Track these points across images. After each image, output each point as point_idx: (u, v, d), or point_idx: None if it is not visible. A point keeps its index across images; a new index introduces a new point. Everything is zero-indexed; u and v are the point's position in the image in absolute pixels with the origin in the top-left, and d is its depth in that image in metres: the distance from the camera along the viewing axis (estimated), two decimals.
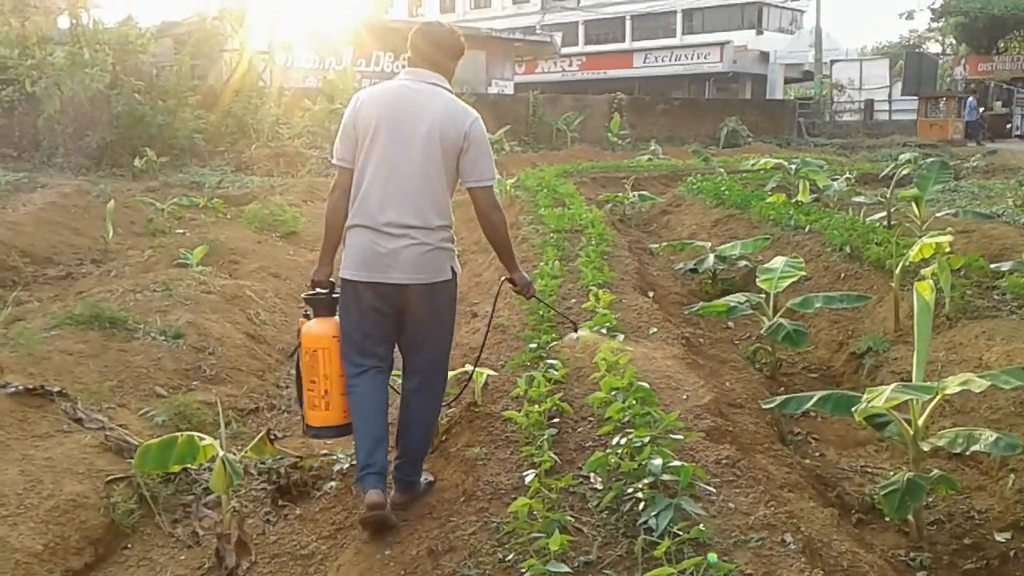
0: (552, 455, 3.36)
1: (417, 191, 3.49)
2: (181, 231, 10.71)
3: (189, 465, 3.66)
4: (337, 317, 3.59)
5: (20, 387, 4.32)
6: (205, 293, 6.53)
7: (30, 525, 3.40)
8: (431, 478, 3.75)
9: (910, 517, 3.73)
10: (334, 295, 3.62)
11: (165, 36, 21.90)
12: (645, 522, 2.85)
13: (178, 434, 3.56)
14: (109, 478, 3.86)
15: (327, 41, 25.09)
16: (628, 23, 50.95)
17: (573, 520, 2.99)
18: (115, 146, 16.40)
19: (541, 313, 5.23)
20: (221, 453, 3.45)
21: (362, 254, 3.46)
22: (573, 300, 5.94)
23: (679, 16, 49.14)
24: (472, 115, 3.58)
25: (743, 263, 8.14)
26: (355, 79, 21.99)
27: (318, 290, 3.66)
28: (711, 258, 7.94)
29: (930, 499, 4.02)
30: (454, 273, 3.61)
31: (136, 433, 4.36)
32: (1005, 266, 6.42)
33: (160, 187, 13.95)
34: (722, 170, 15.66)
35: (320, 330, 3.58)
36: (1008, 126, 35.91)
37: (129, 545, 3.74)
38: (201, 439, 3.53)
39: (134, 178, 15.15)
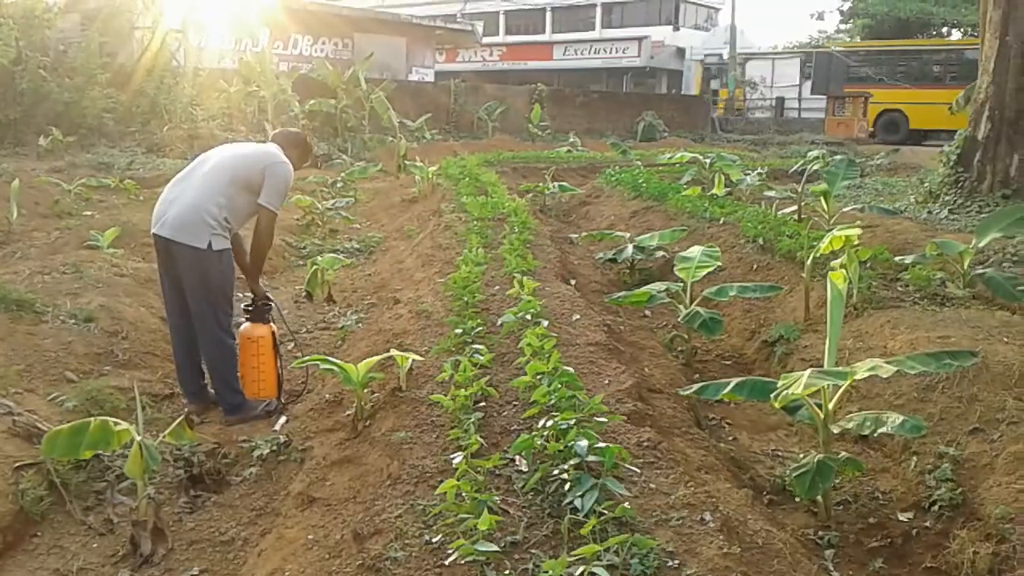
0: (479, 438, 3.39)
1: None
2: (89, 213, 10.34)
3: (102, 451, 3.55)
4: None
5: None
6: (118, 276, 6.33)
7: None
8: None
9: (819, 498, 3.88)
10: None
11: (73, 12, 21.02)
12: (571, 502, 2.90)
13: (90, 419, 3.45)
14: (17, 464, 3.72)
15: (244, 22, 24.48)
16: (548, 15, 51.21)
17: (500, 501, 3.02)
18: (19, 124, 15.71)
19: (465, 299, 5.24)
20: (138, 438, 3.36)
21: None
22: (497, 287, 5.97)
23: (598, 10, 49.62)
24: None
25: (660, 253, 8.31)
26: (272, 62, 21.51)
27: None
28: (630, 248, 8.09)
29: (837, 481, 4.18)
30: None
31: (45, 419, 4.21)
32: (908, 259, 6.71)
33: (67, 167, 13.40)
34: (639, 163, 15.90)
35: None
36: None
37: (39, 533, 3.61)
38: (116, 424, 3.44)
39: (39, 158, 14.52)
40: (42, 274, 6.19)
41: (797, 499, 3.99)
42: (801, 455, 4.47)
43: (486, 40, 42.86)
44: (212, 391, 4.94)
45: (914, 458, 4.26)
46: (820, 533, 3.83)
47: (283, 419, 4.73)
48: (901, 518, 3.93)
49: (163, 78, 18.70)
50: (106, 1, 20.07)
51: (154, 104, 18.33)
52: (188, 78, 19.40)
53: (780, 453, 4.76)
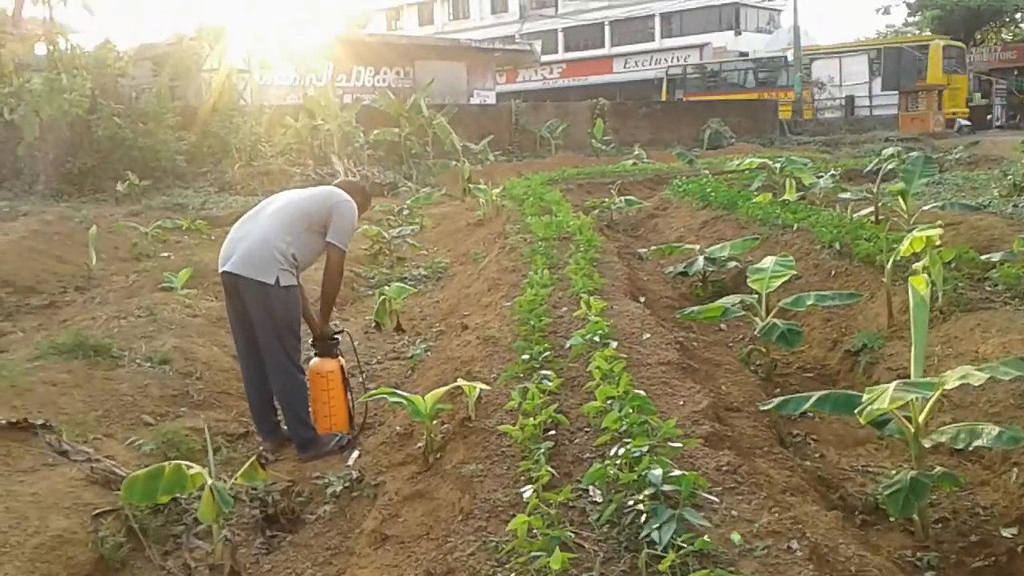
0: (549, 469, 3.28)
1: None
2: (166, 254, 10.62)
3: (179, 495, 3.56)
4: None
5: (3, 421, 4.21)
6: (191, 316, 6.44)
7: (16, 564, 3.29)
8: None
9: (915, 516, 3.67)
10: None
11: (144, 59, 21.82)
12: (648, 535, 2.78)
13: (165, 464, 3.47)
14: (96, 511, 3.76)
15: (305, 58, 25.01)
16: (607, 29, 51.16)
17: (574, 536, 2.91)
18: (97, 171, 16.29)
19: (532, 323, 5.15)
20: (210, 481, 3.36)
21: None
22: (564, 308, 5.87)
23: (657, 20, 49.38)
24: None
25: (733, 264, 8.10)
26: (335, 95, 21.90)
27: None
28: (700, 260, 7.90)
29: (934, 496, 3.97)
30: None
31: (123, 463, 4.26)
32: (995, 257, 6.39)
33: (143, 211, 13.84)
34: (707, 172, 15.66)
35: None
36: (988, 117, 36.09)
37: None
38: (189, 467, 3.45)
39: (117, 203, 15.02)
40: (118, 318, 6.34)
41: (892, 519, 3.78)
42: (893, 471, 4.25)
43: (545, 58, 43.02)
44: (285, 428, 4.95)
45: (1015, 469, 4.01)
46: (918, 554, 3.62)
47: (356, 453, 4.70)
48: (1005, 534, 3.69)
49: (231, 117, 19.20)
50: (174, 46, 20.72)
51: (223, 143, 18.82)
52: (254, 116, 19.86)
53: (871, 469, 4.54)
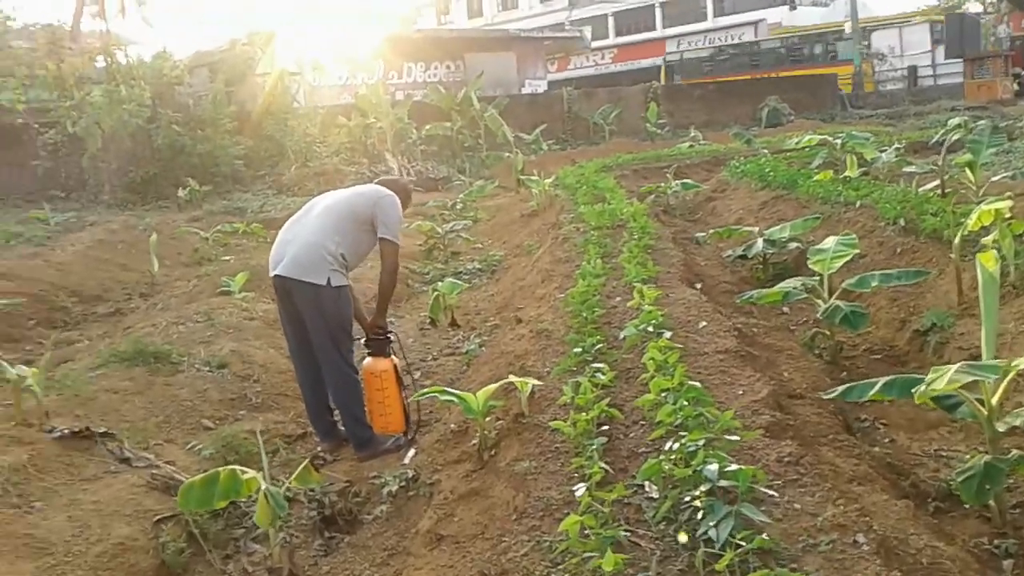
0: (602, 465, 3.21)
1: None
2: (226, 258, 10.79)
3: (235, 499, 3.58)
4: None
5: (66, 431, 4.30)
6: (247, 320, 6.51)
7: (79, 573, 3.35)
8: None
9: (991, 502, 3.50)
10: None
11: (199, 66, 22.26)
12: (705, 532, 2.68)
13: (220, 469, 3.48)
14: (157, 518, 3.81)
15: (356, 57, 25.22)
16: (658, 10, 50.46)
17: (629, 534, 2.84)
18: (159, 179, 16.66)
19: (584, 315, 5.07)
20: (264, 486, 3.36)
21: None
22: (618, 298, 5.77)
23: None
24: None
25: (794, 245, 7.88)
26: (387, 92, 22.03)
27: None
28: (760, 243, 7.70)
29: (1011, 481, 3.78)
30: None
31: (184, 468, 4.32)
32: None
33: (204, 216, 14.09)
34: (765, 151, 15.32)
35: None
36: None
37: None
38: (244, 472, 3.45)
39: (179, 209, 15.34)
40: (177, 324, 6.44)
41: (966, 505, 3.62)
42: (967, 455, 4.07)
43: (596, 44, 42.67)
44: (342, 428, 4.96)
45: None
46: (996, 541, 3.44)
47: (412, 451, 4.69)
48: None
49: (285, 120, 19.46)
50: (228, 52, 21.06)
51: (279, 146, 19.10)
52: (308, 117, 20.09)
53: (944, 453, 4.36)
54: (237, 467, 3.51)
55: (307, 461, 3.78)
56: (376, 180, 5.51)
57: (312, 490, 4.15)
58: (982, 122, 10.18)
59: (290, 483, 3.66)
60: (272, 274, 4.83)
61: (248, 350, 5.90)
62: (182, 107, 18.28)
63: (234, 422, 5.03)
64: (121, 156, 16.56)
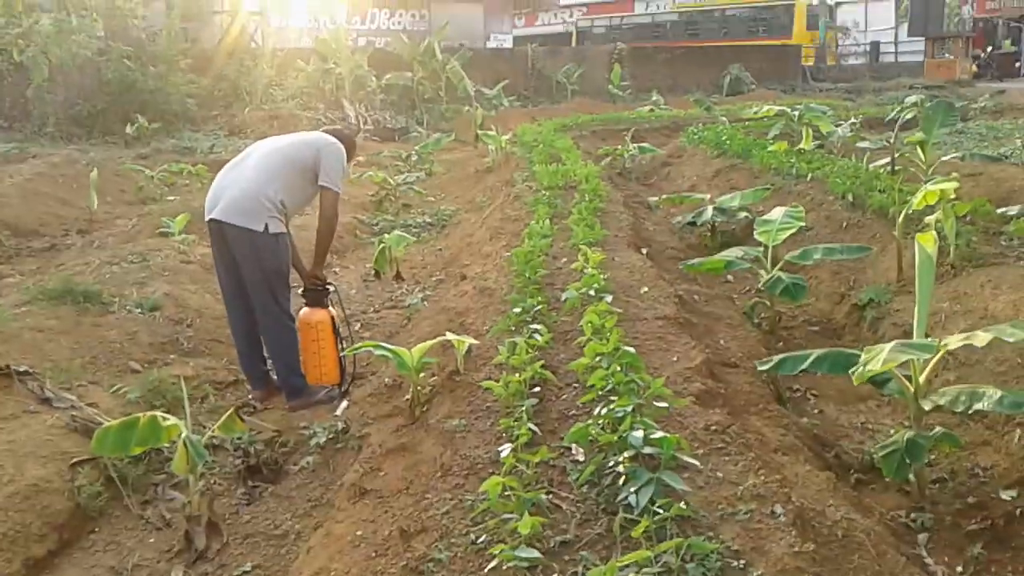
0: (531, 427, 3.19)
1: None
2: (172, 198, 10.52)
3: (153, 447, 3.50)
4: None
5: None
6: (184, 263, 6.35)
7: None
8: None
9: (911, 477, 3.56)
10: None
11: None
12: (625, 498, 2.68)
13: (140, 415, 3.39)
14: (74, 460, 3.71)
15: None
16: None
17: (551, 497, 2.82)
18: (107, 113, 16.12)
19: (528, 275, 5.02)
20: (184, 434, 3.28)
21: None
22: (564, 259, 5.73)
23: None
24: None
25: (743, 215, 7.90)
26: (349, 37, 21.57)
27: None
28: (710, 210, 7.72)
29: (933, 456, 3.85)
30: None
31: (108, 411, 4.21)
32: (1013, 210, 6.19)
33: (152, 153, 13.69)
34: (724, 119, 15.31)
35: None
36: (1017, 64, 35.13)
37: (96, 529, 3.59)
38: (165, 419, 3.36)
39: (126, 145, 14.90)
40: (112, 264, 6.26)
41: (888, 479, 3.67)
42: (892, 429, 4.13)
43: (565, 1, 42.17)
44: (275, 376, 4.88)
45: (1018, 431, 3.88)
46: (913, 515, 3.52)
47: (344, 404, 4.63)
48: (1004, 496, 3.57)
49: (243, 61, 18.96)
50: None
51: (235, 87, 18.64)
52: (267, 59, 19.62)
53: (871, 426, 4.44)
54: (158, 413, 3.42)
55: (232, 410, 3.70)
56: (322, 128, 5.37)
57: (238, 438, 4.07)
58: (936, 101, 10.26)
59: (213, 431, 3.58)
60: (207, 218, 4.69)
61: (183, 294, 5.76)
62: (135, 41, 17.61)
63: (163, 366, 4.91)
64: (68, 88, 15.96)
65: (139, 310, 5.38)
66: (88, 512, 3.59)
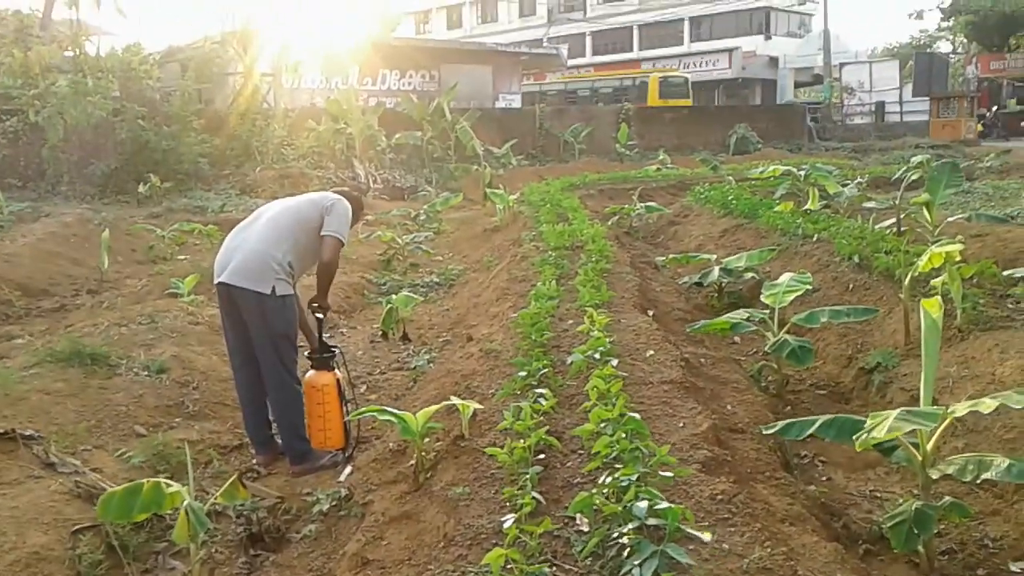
0: (535, 496, 3.16)
1: None
2: (182, 257, 10.61)
3: (156, 512, 3.47)
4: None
5: None
6: (192, 324, 6.37)
7: None
8: None
9: (920, 548, 3.51)
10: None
11: (171, 61, 21.92)
12: (629, 571, 2.64)
13: (144, 481, 3.38)
14: (76, 527, 3.68)
15: (333, 61, 25.02)
16: (636, 32, 50.87)
17: (554, 570, 2.79)
18: (120, 173, 16.32)
19: (533, 338, 5.02)
20: (187, 501, 3.26)
21: None
22: (570, 321, 5.74)
23: (687, 23, 49.04)
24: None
25: (750, 275, 7.93)
26: (360, 97, 21.90)
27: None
28: (716, 271, 7.73)
29: (942, 526, 3.80)
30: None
31: (111, 476, 4.19)
32: (1020, 272, 6.17)
33: (163, 213, 13.84)
34: (731, 178, 15.44)
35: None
36: (1022, 123, 35.39)
37: None
38: (168, 485, 3.35)
39: (139, 204, 15.06)
40: (120, 325, 6.28)
41: (896, 550, 3.61)
42: (901, 497, 4.09)
43: (572, 62, 42.82)
44: (280, 440, 4.86)
45: None
46: None
47: (348, 469, 4.59)
48: (1014, 569, 3.53)
49: (255, 121, 19.22)
50: (198, 49, 20.80)
51: (247, 146, 18.86)
52: (279, 119, 19.88)
53: (879, 494, 4.38)
54: (162, 479, 3.41)
55: (235, 476, 3.68)
56: (331, 189, 5.44)
57: (241, 505, 4.04)
58: (942, 161, 10.32)
59: (216, 498, 3.56)
60: (216, 281, 4.72)
61: (190, 356, 5.77)
62: (149, 102, 17.92)
63: (168, 430, 4.89)
64: (83, 148, 16.19)
65: (146, 373, 5.39)
66: None
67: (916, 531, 3.32)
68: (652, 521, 2.79)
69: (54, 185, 16.01)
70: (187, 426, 5.01)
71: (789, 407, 5.49)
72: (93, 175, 15.99)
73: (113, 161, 16.22)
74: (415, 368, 6.21)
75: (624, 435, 3.38)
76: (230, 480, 3.61)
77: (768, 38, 46.29)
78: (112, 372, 5.33)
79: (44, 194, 15.55)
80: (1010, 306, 5.78)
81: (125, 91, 17.42)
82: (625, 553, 2.73)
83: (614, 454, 3.30)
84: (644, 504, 2.81)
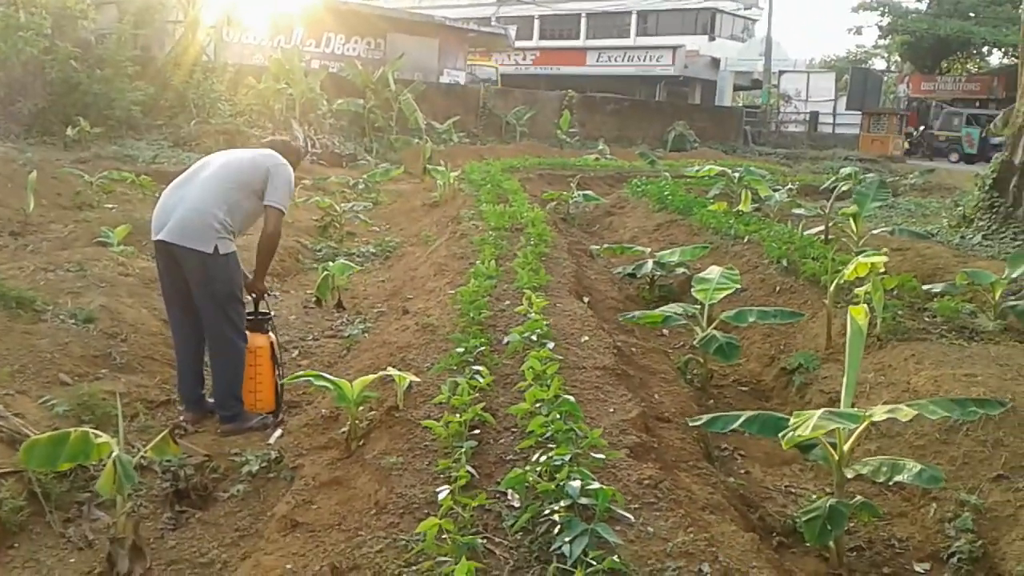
0: (469, 469, 3.22)
1: None
2: (110, 206, 10.32)
3: (82, 463, 3.42)
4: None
5: None
6: (122, 276, 6.23)
7: None
8: None
9: (831, 544, 3.68)
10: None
11: (109, 3, 21.15)
12: (559, 548, 2.72)
13: (72, 430, 3.32)
14: None
15: (279, 19, 24.49)
16: (583, 21, 51.00)
17: (485, 542, 2.85)
18: (47, 114, 15.74)
19: (471, 315, 5.07)
20: (116, 452, 3.22)
21: None
22: (507, 302, 5.80)
23: (634, 17, 49.35)
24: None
25: (681, 270, 8.10)
26: (302, 59, 21.50)
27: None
28: (650, 264, 7.89)
29: (852, 524, 3.98)
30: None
31: (34, 423, 4.10)
32: (937, 288, 6.47)
33: (91, 158, 13.41)
34: (667, 174, 15.68)
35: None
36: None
37: (15, 545, 3.48)
38: (96, 436, 3.30)
39: (66, 148, 14.56)
40: (46, 271, 6.10)
41: (808, 543, 3.79)
42: (815, 495, 4.27)
43: (519, 44, 42.74)
44: (211, 400, 4.81)
45: (934, 504, 4.05)
46: None
47: (278, 433, 4.58)
48: (918, 569, 3.73)
49: (193, 73, 18.71)
50: None
51: (183, 98, 18.36)
52: (218, 73, 19.40)
53: (794, 490, 4.55)
54: (90, 429, 3.36)
55: (167, 431, 3.64)
56: (268, 139, 5.35)
57: (168, 461, 4.00)
58: (871, 175, 10.69)
59: (145, 452, 3.52)
60: (155, 238, 4.63)
61: (119, 307, 5.64)
62: (83, 43, 17.25)
63: (94, 380, 4.80)
64: (11, 85, 15.54)
65: (73, 321, 5.26)
66: (8, 526, 3.48)
67: (829, 527, 3.47)
68: (583, 500, 2.88)
69: None
70: (113, 378, 4.91)
71: (712, 400, 5.66)
72: (19, 113, 15.39)
73: (41, 101, 15.65)
74: (349, 336, 6.20)
75: (559, 416, 3.46)
76: (161, 435, 3.57)
77: (712, 39, 46.91)
78: (37, 317, 5.19)
79: None
80: (927, 319, 6.04)
81: (58, 30, 16.73)
82: (556, 530, 2.80)
83: (548, 434, 3.38)
84: (577, 483, 2.89)
